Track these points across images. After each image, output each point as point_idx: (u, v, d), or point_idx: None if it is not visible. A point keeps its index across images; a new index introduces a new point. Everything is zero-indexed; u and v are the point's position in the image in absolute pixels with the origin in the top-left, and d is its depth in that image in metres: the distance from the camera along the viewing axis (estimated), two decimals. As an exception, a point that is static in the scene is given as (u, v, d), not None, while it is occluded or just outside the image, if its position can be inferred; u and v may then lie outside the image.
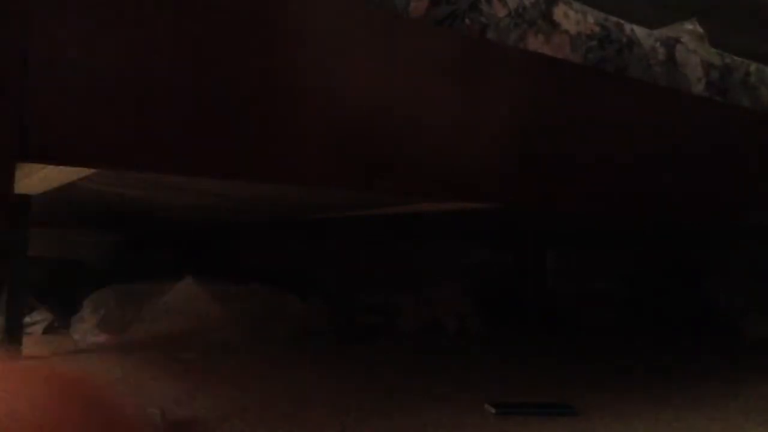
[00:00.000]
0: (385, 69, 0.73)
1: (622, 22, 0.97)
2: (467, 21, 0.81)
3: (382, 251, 2.36)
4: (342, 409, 0.96)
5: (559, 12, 0.89)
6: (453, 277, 2.23)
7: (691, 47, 1.06)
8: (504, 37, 0.84)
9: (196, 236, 2.39)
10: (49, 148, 0.57)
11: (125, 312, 1.59)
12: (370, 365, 1.36)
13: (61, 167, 0.81)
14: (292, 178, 0.69)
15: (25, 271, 1.37)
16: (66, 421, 0.38)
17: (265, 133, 0.66)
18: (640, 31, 0.99)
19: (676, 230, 1.70)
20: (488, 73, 0.81)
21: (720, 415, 0.99)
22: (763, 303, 2.04)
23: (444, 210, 1.15)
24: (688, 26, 1.13)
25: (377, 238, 2.26)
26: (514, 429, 0.89)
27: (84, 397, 0.41)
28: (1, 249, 0.56)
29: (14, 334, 1.32)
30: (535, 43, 0.86)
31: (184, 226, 2.15)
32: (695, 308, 2.25)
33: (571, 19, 0.90)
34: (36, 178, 0.99)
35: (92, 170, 0.79)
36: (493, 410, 0.97)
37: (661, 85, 1.00)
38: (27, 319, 1.61)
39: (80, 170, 0.82)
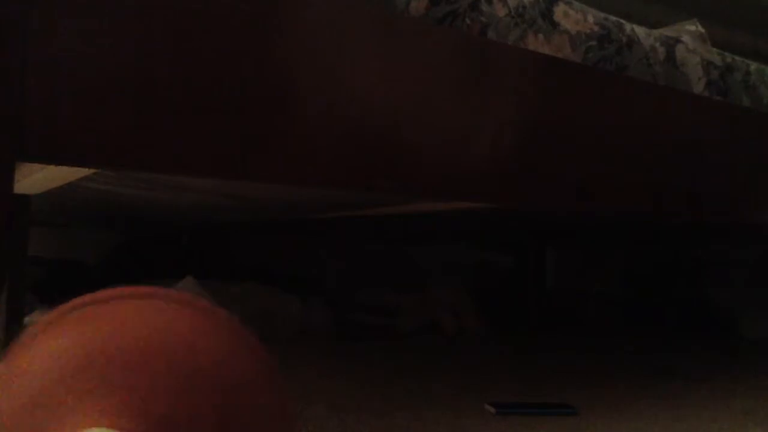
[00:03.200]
0: (385, 68, 0.73)
1: (621, 21, 0.97)
2: (467, 20, 0.81)
3: (382, 251, 2.36)
4: (342, 408, 0.96)
5: (559, 11, 0.89)
6: (453, 277, 2.23)
7: (691, 47, 1.06)
8: (504, 36, 0.84)
9: (196, 236, 2.39)
10: (49, 148, 0.57)
11: (125, 312, 1.58)
12: (369, 365, 1.36)
13: (61, 167, 0.80)
14: (291, 178, 0.69)
15: (25, 271, 1.37)
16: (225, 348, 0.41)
17: (264, 134, 0.66)
18: (640, 31, 0.99)
19: (676, 230, 1.70)
20: (488, 73, 0.81)
21: (720, 415, 0.99)
22: (763, 303, 2.04)
23: (444, 210, 1.15)
24: (689, 26, 1.13)
25: (377, 238, 2.26)
26: (514, 429, 0.89)
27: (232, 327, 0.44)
28: (1, 249, 0.56)
29: (14, 334, 1.32)
30: (535, 43, 0.86)
31: (184, 226, 2.15)
32: (694, 308, 2.25)
33: (571, 18, 0.90)
34: (36, 178, 0.99)
35: (92, 170, 0.79)
36: (493, 410, 0.97)
37: (661, 85, 1.00)
38: (27, 319, 1.61)
39: (80, 170, 0.81)
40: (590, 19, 0.92)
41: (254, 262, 2.29)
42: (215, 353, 0.41)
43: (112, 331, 0.40)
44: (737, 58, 1.14)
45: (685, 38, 1.07)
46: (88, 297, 0.44)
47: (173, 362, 0.39)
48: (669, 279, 2.36)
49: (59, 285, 1.93)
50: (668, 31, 1.11)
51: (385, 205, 1.20)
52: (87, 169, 0.79)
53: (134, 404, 0.36)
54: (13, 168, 0.55)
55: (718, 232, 1.73)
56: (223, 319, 0.44)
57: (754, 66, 1.16)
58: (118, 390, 0.37)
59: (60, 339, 0.41)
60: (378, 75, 0.73)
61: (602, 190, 0.93)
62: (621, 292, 2.43)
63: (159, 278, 1.70)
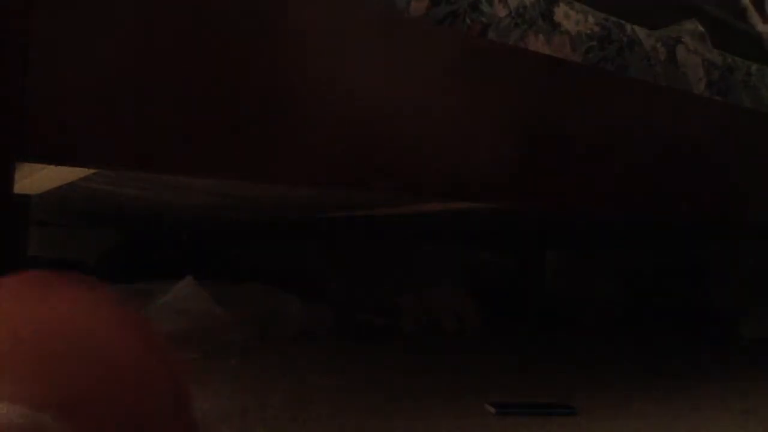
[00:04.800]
0: (386, 68, 0.73)
1: (622, 21, 0.97)
2: (468, 21, 0.81)
3: (383, 251, 2.36)
4: (342, 409, 0.96)
5: (559, 12, 0.89)
6: (453, 278, 2.23)
7: (691, 47, 1.06)
8: (504, 36, 0.84)
9: (196, 236, 2.39)
10: (49, 148, 0.56)
11: (125, 312, 1.58)
12: (370, 365, 1.36)
13: (61, 167, 0.80)
14: (292, 178, 0.69)
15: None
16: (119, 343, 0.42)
17: (265, 134, 0.66)
18: (640, 31, 0.99)
19: (676, 230, 1.70)
20: (489, 73, 0.81)
21: (720, 415, 0.99)
22: (763, 303, 2.04)
23: (444, 210, 1.15)
24: (689, 26, 1.13)
25: (378, 238, 2.26)
26: (514, 429, 0.89)
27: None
28: (1, 249, 0.56)
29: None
30: (536, 43, 0.86)
31: (184, 226, 2.16)
32: (695, 308, 2.25)
33: (571, 19, 0.90)
34: (36, 178, 0.99)
35: (92, 170, 0.79)
36: (493, 410, 0.97)
37: (662, 85, 1.00)
38: (27, 319, 1.61)
39: (80, 170, 0.82)
40: (591, 19, 0.92)
41: (254, 262, 2.28)
42: (107, 338, 0.42)
43: (17, 314, 0.42)
44: (738, 58, 1.14)
45: (686, 38, 1.07)
46: None
47: (62, 345, 0.40)
48: (669, 279, 2.36)
49: (59, 285, 1.92)
50: (669, 32, 1.11)
51: (385, 205, 1.20)
52: (87, 169, 0.79)
53: (27, 387, 0.37)
54: (13, 168, 0.55)
55: (718, 232, 1.73)
56: (113, 304, 0.46)
57: (754, 66, 1.16)
58: (11, 373, 0.38)
59: None
60: (378, 75, 0.73)
61: (602, 190, 0.93)
62: (621, 291, 2.43)
63: (159, 278, 1.70)
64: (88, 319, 0.43)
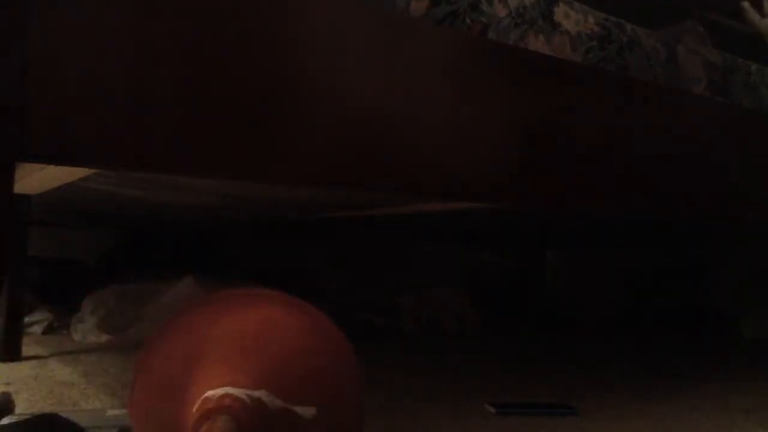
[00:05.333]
0: (385, 68, 0.73)
1: (622, 21, 0.97)
2: (468, 21, 0.81)
3: (382, 251, 2.36)
4: (342, 409, 0.95)
5: (559, 12, 0.89)
6: (453, 278, 2.23)
7: (691, 47, 1.06)
8: (504, 37, 0.84)
9: (196, 236, 2.39)
10: (49, 147, 0.56)
11: (125, 312, 1.59)
12: (370, 365, 1.36)
13: (61, 167, 0.80)
14: (292, 178, 0.69)
15: (25, 271, 1.37)
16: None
17: (265, 134, 0.66)
18: (640, 31, 0.99)
19: (676, 230, 1.70)
20: (488, 73, 0.81)
21: (720, 414, 0.99)
22: (763, 303, 2.04)
23: (444, 210, 1.15)
24: (689, 26, 1.13)
25: (377, 238, 2.26)
26: (514, 429, 0.89)
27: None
28: (1, 249, 0.56)
29: (14, 334, 1.32)
30: (536, 43, 0.86)
31: (184, 226, 2.15)
32: (695, 308, 2.25)
33: (571, 19, 0.90)
34: (36, 178, 0.99)
35: (92, 170, 0.79)
36: (493, 410, 0.97)
37: (662, 85, 1.00)
38: (27, 319, 1.61)
39: (80, 170, 0.81)
40: (591, 19, 0.92)
41: (254, 262, 2.28)
42: (305, 341, 0.62)
43: (240, 319, 0.61)
44: (738, 58, 1.14)
45: (686, 38, 1.07)
46: (223, 292, 0.66)
47: (275, 343, 0.59)
48: (669, 279, 2.36)
49: (59, 285, 1.92)
50: (669, 32, 1.11)
51: (385, 205, 1.20)
52: (87, 169, 0.79)
53: (250, 368, 0.56)
54: (13, 168, 0.55)
55: (718, 232, 1.73)
56: (314, 316, 0.67)
57: (754, 66, 1.16)
58: (241, 357, 0.57)
59: (210, 317, 0.61)
60: (378, 75, 0.73)
61: (602, 190, 0.93)
62: (621, 291, 2.43)
63: (159, 278, 1.70)
64: (285, 322, 0.62)
